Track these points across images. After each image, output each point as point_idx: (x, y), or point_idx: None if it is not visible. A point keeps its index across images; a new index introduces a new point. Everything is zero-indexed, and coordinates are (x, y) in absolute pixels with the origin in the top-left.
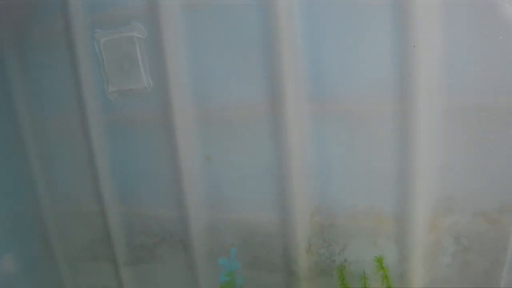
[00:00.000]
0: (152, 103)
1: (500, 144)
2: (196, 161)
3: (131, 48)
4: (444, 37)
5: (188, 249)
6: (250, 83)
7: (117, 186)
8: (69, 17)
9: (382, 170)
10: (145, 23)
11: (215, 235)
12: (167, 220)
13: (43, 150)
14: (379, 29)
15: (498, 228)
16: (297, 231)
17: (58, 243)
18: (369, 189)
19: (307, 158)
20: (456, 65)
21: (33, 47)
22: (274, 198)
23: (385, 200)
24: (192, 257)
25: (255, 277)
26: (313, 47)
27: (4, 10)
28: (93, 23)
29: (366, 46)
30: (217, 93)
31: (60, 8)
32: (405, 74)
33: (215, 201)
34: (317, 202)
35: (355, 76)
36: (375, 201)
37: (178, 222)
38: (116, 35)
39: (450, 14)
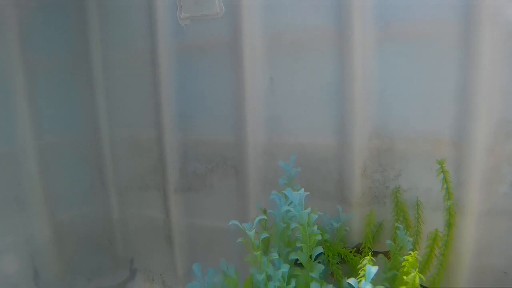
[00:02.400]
0: (222, 28)
1: None
2: (260, 84)
3: None
4: None
5: (240, 175)
6: (317, 7)
7: (178, 112)
8: None
9: (443, 92)
10: None
11: (270, 160)
12: (223, 145)
13: (109, 76)
14: None
15: None
16: (354, 155)
17: (112, 171)
18: (429, 113)
19: (369, 81)
20: None
21: None
22: (333, 121)
23: (444, 123)
24: (244, 183)
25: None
26: None
27: None
28: None
29: None
30: (286, 17)
31: None
32: None
33: (273, 125)
34: (376, 126)
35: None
36: (434, 124)
37: (234, 147)
38: None
39: None
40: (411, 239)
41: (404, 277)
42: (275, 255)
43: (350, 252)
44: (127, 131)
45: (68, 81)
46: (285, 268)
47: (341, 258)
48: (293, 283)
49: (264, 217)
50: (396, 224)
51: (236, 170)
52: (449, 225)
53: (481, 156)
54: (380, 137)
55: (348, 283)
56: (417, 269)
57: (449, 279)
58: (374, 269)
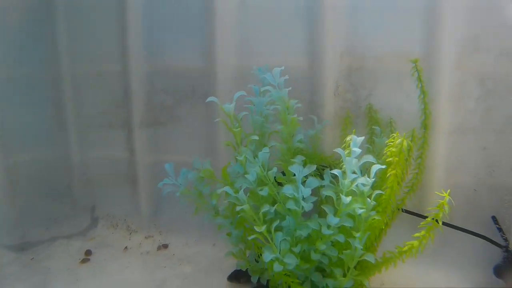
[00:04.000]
0: None
1: None
2: (230, 6)
3: None
4: None
5: (210, 104)
6: None
7: (145, 40)
8: None
9: (412, 9)
10: None
11: (241, 86)
12: (192, 73)
13: (71, 4)
14: None
15: None
16: (325, 74)
17: (72, 109)
18: (398, 30)
19: None
20: None
21: None
22: (304, 41)
23: (413, 40)
24: (214, 113)
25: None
26: None
27: None
28: None
29: None
30: None
31: None
32: None
33: (244, 48)
34: (347, 44)
35: None
36: (404, 41)
37: (204, 74)
38: None
39: None
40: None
41: (391, 143)
42: (254, 137)
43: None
44: (90, 65)
45: (27, 12)
46: (265, 154)
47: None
48: (274, 169)
49: (244, 93)
50: (372, 127)
51: (206, 99)
52: (425, 126)
53: (448, 71)
54: (351, 55)
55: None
56: (404, 135)
57: (422, 197)
58: (359, 139)
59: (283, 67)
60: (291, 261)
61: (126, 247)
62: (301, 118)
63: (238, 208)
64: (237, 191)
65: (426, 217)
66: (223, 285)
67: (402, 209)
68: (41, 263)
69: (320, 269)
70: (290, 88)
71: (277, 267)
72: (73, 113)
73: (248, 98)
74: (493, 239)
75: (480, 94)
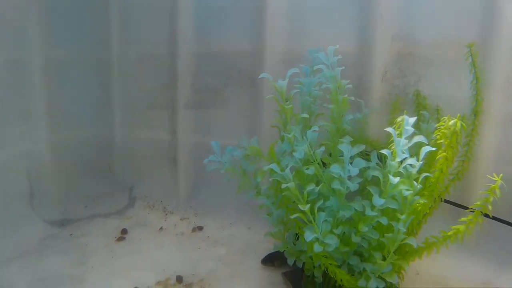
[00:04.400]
0: None
1: None
2: None
3: None
4: None
5: (256, 87)
6: None
7: (194, 23)
8: None
9: None
10: None
11: (289, 68)
12: (239, 56)
13: None
14: None
15: None
16: (374, 59)
17: (118, 90)
18: (452, 15)
19: None
20: None
21: None
22: (355, 24)
23: (467, 26)
24: (260, 96)
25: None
26: None
27: None
28: None
29: None
30: None
31: None
32: None
33: (293, 32)
34: (398, 28)
35: None
36: (458, 28)
37: (251, 57)
38: None
39: None
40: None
41: (442, 126)
42: (304, 114)
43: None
44: (139, 48)
45: None
46: (313, 133)
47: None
48: (322, 148)
49: (297, 70)
50: (420, 112)
51: (252, 81)
52: (475, 112)
53: (503, 58)
54: (402, 40)
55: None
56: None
57: (467, 186)
58: (412, 119)
59: (337, 46)
60: (332, 242)
61: (161, 228)
62: (352, 98)
63: (283, 186)
64: (283, 169)
65: (467, 208)
66: (257, 268)
67: (443, 198)
68: (79, 239)
69: (359, 253)
70: (343, 67)
71: (317, 248)
72: (119, 94)
73: (298, 79)
74: None
75: None
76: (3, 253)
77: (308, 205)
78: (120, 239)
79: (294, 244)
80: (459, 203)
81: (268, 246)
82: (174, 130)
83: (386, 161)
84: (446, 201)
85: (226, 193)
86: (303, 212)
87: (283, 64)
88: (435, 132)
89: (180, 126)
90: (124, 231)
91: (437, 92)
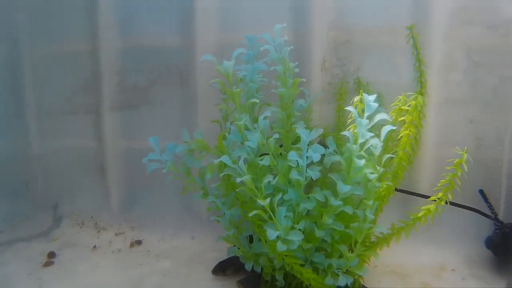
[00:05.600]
0: None
1: None
2: None
3: None
4: None
5: (188, 83)
6: None
7: (116, 16)
8: None
9: None
10: None
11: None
12: (168, 50)
13: None
14: None
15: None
16: (312, 48)
17: (31, 94)
18: (386, 2)
19: None
20: None
21: None
22: (290, 12)
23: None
24: (192, 93)
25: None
26: None
27: None
28: None
29: None
30: None
31: None
32: None
33: (225, 19)
34: (334, 17)
35: None
36: (392, 14)
37: (181, 51)
38: None
39: None
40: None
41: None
42: (255, 99)
43: None
44: (52, 45)
45: None
46: (265, 121)
47: None
48: (275, 135)
49: (243, 50)
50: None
51: (182, 78)
52: (420, 94)
53: (437, 43)
54: (338, 28)
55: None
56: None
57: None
58: (372, 96)
59: (284, 24)
60: (296, 238)
61: (94, 246)
62: (304, 80)
63: (238, 180)
64: (235, 162)
65: (421, 195)
66: (207, 279)
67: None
68: None
69: (321, 249)
70: (291, 47)
71: (280, 247)
72: (32, 98)
73: (239, 67)
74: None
75: (467, 67)
76: None
77: (268, 200)
78: (48, 263)
79: (249, 248)
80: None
81: (216, 255)
82: (100, 136)
83: (342, 146)
84: (398, 190)
85: (163, 202)
86: (261, 208)
87: (216, 56)
88: (390, 113)
89: (107, 130)
90: (52, 255)
91: (377, 78)
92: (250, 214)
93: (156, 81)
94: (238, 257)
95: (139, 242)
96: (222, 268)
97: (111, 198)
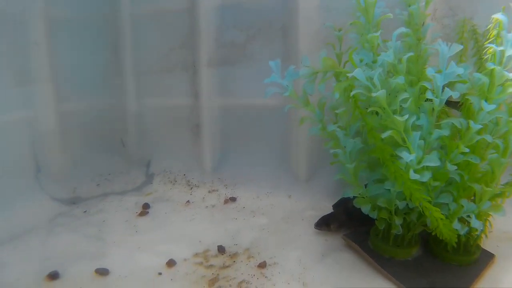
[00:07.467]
0: None
1: None
2: None
3: None
4: None
5: (289, 37)
6: None
7: None
8: None
9: None
10: None
11: (325, 16)
12: (268, 5)
13: None
14: None
15: None
16: None
17: (130, 52)
18: None
19: None
20: None
21: None
22: None
23: None
24: (293, 46)
25: None
26: None
27: None
28: None
29: None
30: None
31: None
32: None
33: None
34: None
35: None
36: None
37: (283, 6)
38: None
39: None
40: None
41: None
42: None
43: None
44: (152, 3)
45: None
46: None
47: None
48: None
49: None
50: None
51: (284, 32)
52: None
53: None
54: None
55: None
56: None
57: None
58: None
59: None
60: (434, 163)
61: (188, 201)
62: None
63: (373, 94)
64: (369, 79)
65: None
66: (309, 233)
67: None
68: (94, 216)
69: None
70: None
71: (413, 175)
72: (131, 56)
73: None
74: None
75: None
76: (8, 229)
77: (406, 116)
78: (143, 213)
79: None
80: None
81: (315, 214)
82: (196, 93)
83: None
84: None
85: (258, 161)
86: (396, 129)
87: (318, 9)
88: None
89: (204, 87)
90: (146, 206)
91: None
92: (384, 135)
93: (255, 36)
94: (341, 213)
95: (233, 199)
96: (326, 222)
97: (204, 156)
